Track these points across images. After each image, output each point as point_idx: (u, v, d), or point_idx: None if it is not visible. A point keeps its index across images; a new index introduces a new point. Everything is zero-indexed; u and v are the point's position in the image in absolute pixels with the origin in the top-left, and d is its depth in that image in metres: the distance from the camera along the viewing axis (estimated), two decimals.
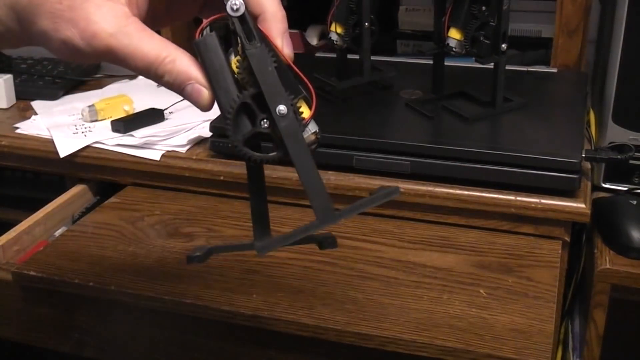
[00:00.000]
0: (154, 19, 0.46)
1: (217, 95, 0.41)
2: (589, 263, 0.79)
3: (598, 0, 0.98)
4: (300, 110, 0.42)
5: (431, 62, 0.87)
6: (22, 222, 0.84)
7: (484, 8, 0.76)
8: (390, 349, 0.62)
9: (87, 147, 0.88)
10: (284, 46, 0.43)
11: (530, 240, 0.75)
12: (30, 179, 1.05)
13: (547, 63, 0.99)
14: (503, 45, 0.78)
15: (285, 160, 0.43)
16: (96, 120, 0.94)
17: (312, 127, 0.43)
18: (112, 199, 0.87)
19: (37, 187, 1.04)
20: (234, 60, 0.42)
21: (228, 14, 0.41)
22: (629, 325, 1.04)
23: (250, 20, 0.41)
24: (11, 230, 0.82)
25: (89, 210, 0.88)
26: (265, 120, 0.41)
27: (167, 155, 0.86)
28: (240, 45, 0.41)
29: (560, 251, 0.73)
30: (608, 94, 0.80)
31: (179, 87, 0.43)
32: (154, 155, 0.86)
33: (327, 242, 0.43)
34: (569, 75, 0.95)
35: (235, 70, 0.41)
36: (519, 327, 0.62)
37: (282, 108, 0.41)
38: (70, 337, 0.76)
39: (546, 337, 0.60)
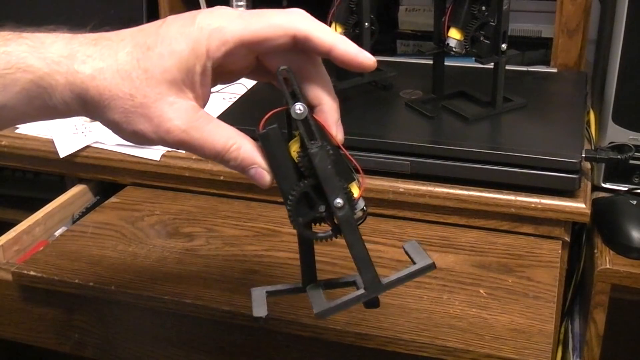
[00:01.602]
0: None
1: (278, 181, 0.46)
2: (589, 263, 0.79)
3: (598, 0, 0.98)
4: (352, 192, 0.48)
5: (431, 62, 0.87)
6: (22, 222, 0.84)
7: (484, 8, 0.76)
8: (390, 349, 0.62)
9: (87, 147, 0.88)
10: (338, 133, 0.47)
11: (530, 240, 0.75)
12: (30, 179, 1.05)
13: (547, 63, 0.99)
14: (503, 45, 0.78)
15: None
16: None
17: (361, 204, 0.48)
18: (112, 199, 0.87)
19: (37, 187, 1.05)
20: (295, 147, 0.46)
21: (293, 117, 0.45)
22: (629, 325, 1.04)
23: (312, 121, 0.45)
24: (11, 230, 0.83)
25: (89, 210, 0.88)
26: (322, 206, 0.47)
27: (167, 155, 0.86)
28: (301, 141, 0.46)
29: (560, 251, 0.73)
30: (608, 94, 0.80)
31: (243, 170, 0.47)
32: (154, 155, 0.86)
33: (370, 303, 0.50)
34: (569, 75, 0.95)
35: (296, 158, 0.46)
36: (519, 327, 0.62)
37: (339, 201, 0.46)
38: (70, 337, 0.76)
39: (546, 337, 0.60)
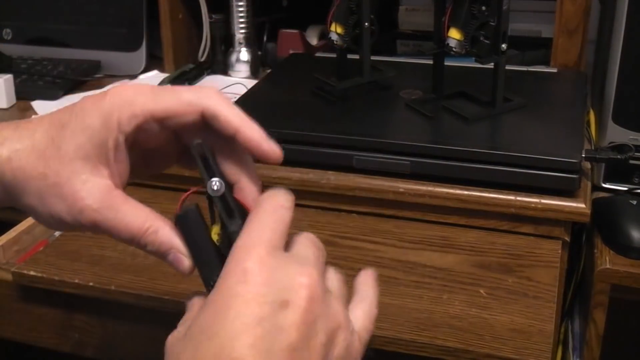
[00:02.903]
0: (134, 175, 0.47)
1: (198, 267, 0.43)
2: (589, 263, 0.79)
3: (598, 0, 0.98)
4: None
5: (431, 62, 0.87)
6: (22, 222, 0.84)
7: (484, 8, 0.76)
8: (390, 349, 0.62)
9: None
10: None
11: (530, 240, 0.75)
12: None
13: (547, 63, 0.99)
14: (503, 45, 0.78)
15: None
16: None
17: None
18: None
19: None
20: (215, 229, 0.44)
21: (209, 194, 0.43)
22: (629, 325, 1.04)
23: (230, 199, 0.43)
24: (11, 230, 0.82)
25: None
26: None
27: None
28: (220, 220, 0.43)
29: (560, 251, 0.73)
30: (608, 94, 0.80)
31: (161, 255, 0.45)
32: None
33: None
34: (569, 75, 0.95)
35: (217, 240, 0.43)
36: (519, 327, 0.62)
37: None
38: (70, 337, 0.76)
39: (546, 337, 0.60)
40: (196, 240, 0.43)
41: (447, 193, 0.76)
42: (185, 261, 0.44)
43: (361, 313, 0.44)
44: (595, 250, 0.75)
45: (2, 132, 0.45)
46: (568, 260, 0.78)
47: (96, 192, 0.43)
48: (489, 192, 0.75)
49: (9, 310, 0.78)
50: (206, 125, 0.45)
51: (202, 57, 1.17)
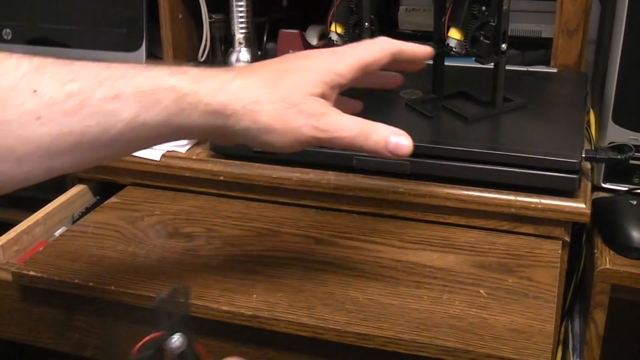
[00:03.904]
0: None
1: None
2: (589, 263, 0.79)
3: (598, 0, 0.98)
4: None
5: (431, 62, 0.87)
6: (22, 222, 0.84)
7: (484, 8, 0.76)
8: (390, 349, 0.62)
9: None
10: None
11: (530, 240, 0.75)
12: None
13: (547, 63, 0.99)
14: (503, 45, 0.78)
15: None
16: None
17: None
18: (112, 199, 0.87)
19: (37, 187, 1.04)
20: None
21: (170, 351, 0.42)
22: (629, 325, 1.04)
23: (190, 356, 0.43)
24: (11, 230, 0.82)
25: (89, 210, 0.88)
26: None
27: (167, 155, 0.86)
28: None
29: (560, 251, 0.73)
30: (608, 94, 0.80)
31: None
32: (154, 155, 0.86)
33: None
34: (569, 75, 0.95)
35: None
36: (519, 327, 0.62)
37: None
38: (70, 337, 0.76)
39: (546, 337, 0.60)
40: None
41: (447, 193, 0.76)
42: (408, 141, 0.55)
43: None
44: (595, 251, 0.75)
45: (222, 72, 0.53)
46: (568, 261, 0.78)
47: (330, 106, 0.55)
48: (489, 192, 0.75)
49: (9, 310, 0.78)
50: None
51: (202, 57, 1.17)
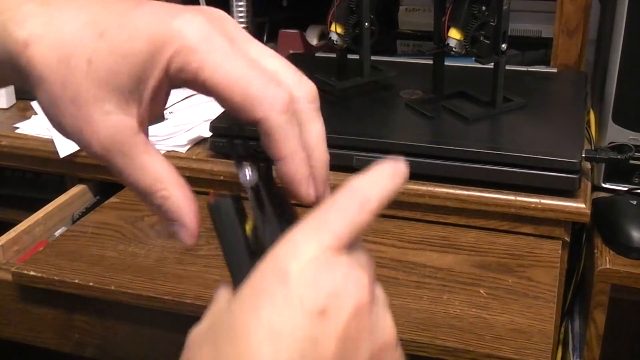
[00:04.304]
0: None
1: (226, 260, 0.40)
2: (589, 263, 0.79)
3: (598, 0, 0.98)
4: None
5: (431, 62, 0.87)
6: (22, 222, 0.84)
7: (484, 8, 0.76)
8: None
9: None
10: (309, 193, 0.40)
11: (530, 240, 0.75)
12: (30, 179, 1.05)
13: (547, 63, 0.99)
14: (503, 45, 0.78)
15: None
16: None
17: None
18: (112, 199, 0.87)
19: (37, 187, 1.04)
20: (250, 223, 0.40)
21: (242, 184, 0.40)
22: (629, 325, 1.04)
23: (263, 192, 0.40)
24: (11, 230, 0.82)
25: (89, 210, 0.88)
26: None
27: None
28: (254, 214, 0.39)
29: (560, 251, 0.73)
30: (608, 94, 0.80)
31: (167, 222, 0.40)
32: None
33: None
34: (569, 75, 0.95)
35: (249, 234, 0.40)
36: (519, 327, 0.62)
37: None
38: (70, 337, 0.76)
39: (546, 337, 0.60)
40: (226, 232, 0.40)
41: (447, 193, 0.76)
42: (188, 240, 0.40)
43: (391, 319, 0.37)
44: (595, 251, 0.75)
45: (24, 6, 0.36)
46: (568, 260, 0.78)
47: (115, 130, 0.36)
48: (489, 192, 0.75)
49: (9, 310, 0.78)
50: None
51: None
